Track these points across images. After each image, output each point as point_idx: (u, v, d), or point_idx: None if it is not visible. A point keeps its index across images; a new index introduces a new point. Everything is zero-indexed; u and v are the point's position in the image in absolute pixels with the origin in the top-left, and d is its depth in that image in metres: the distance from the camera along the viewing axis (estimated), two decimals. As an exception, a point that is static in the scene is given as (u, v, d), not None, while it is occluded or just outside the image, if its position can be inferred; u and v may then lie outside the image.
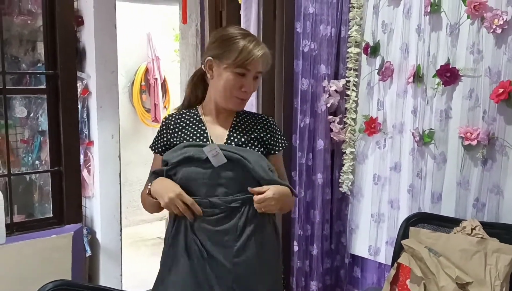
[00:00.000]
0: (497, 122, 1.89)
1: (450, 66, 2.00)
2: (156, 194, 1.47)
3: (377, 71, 2.29)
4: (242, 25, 2.77)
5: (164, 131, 1.58)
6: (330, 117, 2.43)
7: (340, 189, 2.46)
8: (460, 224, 1.93)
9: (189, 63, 3.41)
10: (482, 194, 1.96)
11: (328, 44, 2.36)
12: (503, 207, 1.90)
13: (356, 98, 2.40)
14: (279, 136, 1.60)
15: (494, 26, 1.85)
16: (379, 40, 2.28)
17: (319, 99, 2.41)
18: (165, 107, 4.92)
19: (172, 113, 1.62)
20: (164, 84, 4.90)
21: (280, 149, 1.60)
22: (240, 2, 2.87)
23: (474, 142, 1.93)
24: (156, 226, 4.89)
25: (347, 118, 2.42)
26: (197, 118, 1.58)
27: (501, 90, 1.83)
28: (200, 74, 1.62)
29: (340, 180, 2.47)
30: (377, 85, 2.32)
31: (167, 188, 1.44)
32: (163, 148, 1.57)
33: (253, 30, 2.60)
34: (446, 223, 2.00)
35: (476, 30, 1.93)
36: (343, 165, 2.45)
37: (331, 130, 2.43)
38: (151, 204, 1.52)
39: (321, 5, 2.32)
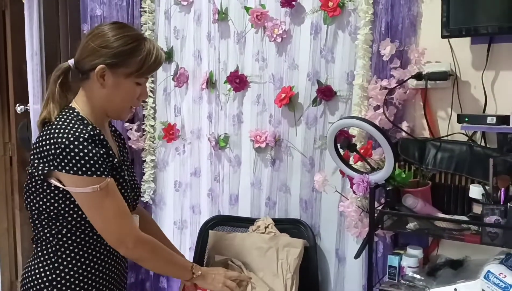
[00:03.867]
0: (282, 125, 2.02)
1: (239, 73, 2.08)
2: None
3: (172, 77, 2.28)
4: (26, 26, 2.50)
5: (104, 149, 1.32)
6: (127, 125, 2.33)
7: (142, 198, 2.38)
8: (255, 223, 2.03)
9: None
10: (272, 193, 2.08)
11: (121, 49, 2.26)
12: (291, 203, 2.04)
13: (153, 105, 2.35)
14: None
15: (274, 35, 1.97)
16: (172, 46, 2.27)
17: (114, 107, 2.29)
18: None
19: (92, 129, 1.32)
20: None
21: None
22: (23, 1, 2.60)
23: (263, 145, 2.03)
24: None
25: (146, 125, 2.35)
26: (100, 134, 1.35)
27: (283, 95, 1.97)
28: (66, 73, 1.39)
29: (141, 190, 2.39)
30: (174, 92, 2.30)
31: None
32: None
33: (36, 31, 2.36)
34: (242, 223, 2.08)
35: (260, 39, 2.04)
36: (144, 174, 2.38)
37: (129, 139, 2.34)
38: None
39: (109, 7, 2.21)
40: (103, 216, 1.30)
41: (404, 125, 1.73)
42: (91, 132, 1.29)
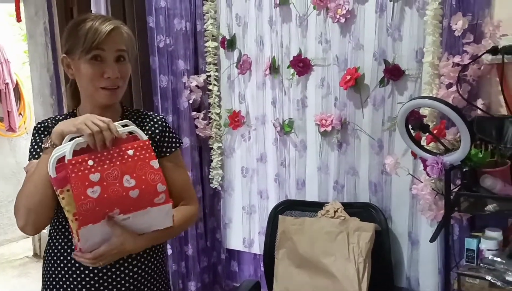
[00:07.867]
0: (348, 107, 1.99)
1: (302, 57, 2.06)
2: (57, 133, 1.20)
3: (235, 64, 2.29)
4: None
5: (38, 139, 1.36)
6: (194, 113, 2.38)
7: (211, 185, 2.44)
8: (324, 207, 2.02)
9: (40, 64, 3.13)
10: (340, 176, 2.06)
11: (184, 39, 2.30)
12: (359, 186, 2.02)
13: (218, 93, 2.38)
14: (172, 135, 1.44)
15: (338, 16, 1.94)
16: (235, 34, 2.28)
17: (180, 96, 2.34)
18: (20, 114, 4.49)
19: (46, 119, 1.41)
20: (17, 89, 4.47)
21: (173, 150, 1.43)
22: (90, -2, 2.69)
23: (329, 128, 2.01)
24: (22, 245, 4.48)
25: (212, 114, 2.39)
26: (49, 124, 1.38)
27: (348, 77, 1.93)
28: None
29: (210, 176, 2.44)
30: (237, 79, 2.32)
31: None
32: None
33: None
34: (311, 207, 2.08)
35: (323, 21, 2.01)
36: (212, 161, 2.42)
37: (196, 127, 2.39)
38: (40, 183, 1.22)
39: (173, -1, 2.25)
40: None
41: (479, 103, 1.65)
42: (39, 123, 1.40)
